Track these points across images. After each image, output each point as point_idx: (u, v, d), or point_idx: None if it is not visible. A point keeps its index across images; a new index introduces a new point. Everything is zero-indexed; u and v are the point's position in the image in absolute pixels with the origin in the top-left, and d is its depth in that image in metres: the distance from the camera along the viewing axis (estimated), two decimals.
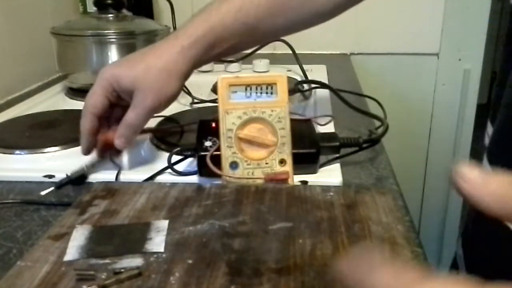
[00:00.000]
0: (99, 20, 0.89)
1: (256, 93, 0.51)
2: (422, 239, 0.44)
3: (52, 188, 0.52)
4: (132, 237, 0.40)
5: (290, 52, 1.05)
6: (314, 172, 0.54)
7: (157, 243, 0.39)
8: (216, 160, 0.50)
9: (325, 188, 0.47)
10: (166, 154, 0.57)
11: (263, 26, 0.56)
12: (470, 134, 1.36)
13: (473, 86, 1.33)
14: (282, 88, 0.51)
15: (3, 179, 0.56)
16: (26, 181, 0.55)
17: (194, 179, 0.53)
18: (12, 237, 0.44)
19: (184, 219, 0.42)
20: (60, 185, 0.53)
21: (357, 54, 1.32)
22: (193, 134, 0.55)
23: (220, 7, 0.55)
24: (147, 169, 0.56)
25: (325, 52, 1.31)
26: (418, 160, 1.40)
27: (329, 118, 0.69)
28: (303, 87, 0.85)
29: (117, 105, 0.55)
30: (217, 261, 0.36)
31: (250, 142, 0.51)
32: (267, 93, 0.51)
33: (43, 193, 0.52)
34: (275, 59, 1.11)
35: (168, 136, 0.64)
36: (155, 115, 0.70)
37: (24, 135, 0.67)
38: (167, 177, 0.54)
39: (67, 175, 0.53)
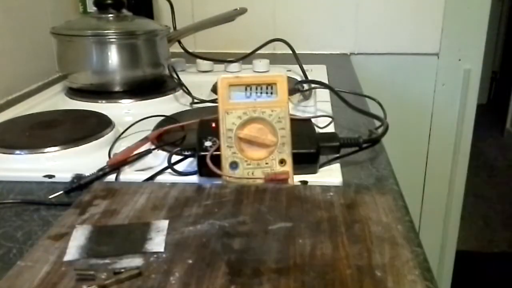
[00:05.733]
0: (99, 20, 0.88)
1: (256, 93, 0.51)
2: (422, 239, 0.44)
3: (61, 192, 0.52)
4: (132, 237, 0.40)
5: (290, 52, 1.06)
6: (314, 172, 0.54)
7: (157, 243, 0.39)
8: (216, 160, 0.50)
9: (325, 188, 0.47)
10: (166, 154, 0.57)
11: None
12: (470, 134, 1.36)
13: (473, 86, 1.33)
14: (282, 88, 0.51)
15: (3, 179, 0.56)
16: (26, 181, 0.55)
17: (194, 179, 0.53)
18: (12, 237, 0.44)
19: (184, 219, 0.42)
20: (69, 190, 0.52)
21: (357, 54, 1.32)
22: (193, 134, 0.55)
23: None
24: (147, 169, 0.56)
25: (325, 52, 1.31)
26: (418, 160, 1.40)
27: (329, 118, 0.69)
28: (303, 87, 0.85)
29: None
30: (217, 261, 0.36)
31: (250, 142, 0.51)
32: (267, 93, 0.51)
33: (51, 196, 0.51)
34: (275, 59, 1.11)
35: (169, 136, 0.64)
36: (155, 115, 0.71)
37: (24, 135, 0.67)
38: (167, 177, 0.54)
39: (74, 180, 0.53)
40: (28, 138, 0.66)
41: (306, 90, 0.85)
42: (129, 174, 0.55)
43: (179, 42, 1.05)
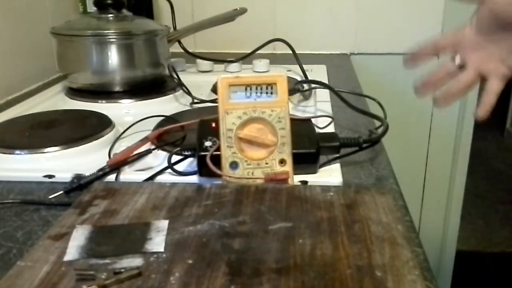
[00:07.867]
0: (99, 20, 0.88)
1: (256, 93, 0.51)
2: (422, 239, 0.44)
3: (61, 192, 0.52)
4: (132, 237, 0.40)
5: (290, 52, 1.06)
6: (314, 172, 0.54)
7: (157, 243, 0.39)
8: (216, 160, 0.50)
9: (325, 188, 0.47)
10: (166, 154, 0.57)
11: None
12: (470, 134, 1.36)
13: None
14: (282, 88, 0.51)
15: (3, 179, 0.56)
16: (26, 181, 0.55)
17: (194, 179, 0.53)
18: (12, 237, 0.44)
19: (184, 219, 0.42)
20: (69, 190, 0.52)
21: (357, 54, 1.32)
22: (193, 134, 0.55)
23: None
24: (147, 169, 0.56)
25: (325, 52, 1.31)
26: (418, 160, 1.40)
27: (329, 118, 0.69)
28: (303, 87, 0.85)
29: None
30: (217, 261, 0.36)
31: (250, 142, 0.51)
32: (267, 93, 0.51)
33: (51, 196, 0.51)
34: (275, 59, 1.11)
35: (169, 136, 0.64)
36: (155, 115, 0.71)
37: (24, 135, 0.67)
38: (167, 177, 0.54)
39: (74, 180, 0.53)
40: (28, 138, 0.66)
41: (306, 90, 0.85)
42: (129, 174, 0.55)
43: (179, 42, 1.05)
